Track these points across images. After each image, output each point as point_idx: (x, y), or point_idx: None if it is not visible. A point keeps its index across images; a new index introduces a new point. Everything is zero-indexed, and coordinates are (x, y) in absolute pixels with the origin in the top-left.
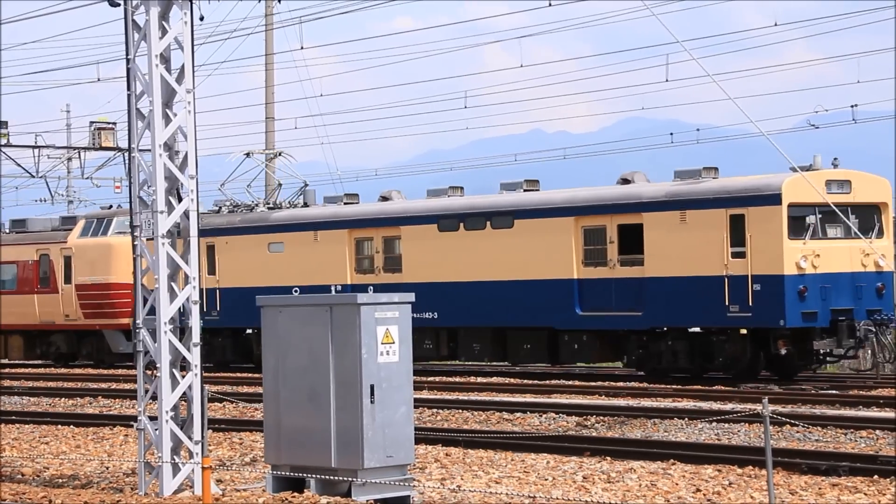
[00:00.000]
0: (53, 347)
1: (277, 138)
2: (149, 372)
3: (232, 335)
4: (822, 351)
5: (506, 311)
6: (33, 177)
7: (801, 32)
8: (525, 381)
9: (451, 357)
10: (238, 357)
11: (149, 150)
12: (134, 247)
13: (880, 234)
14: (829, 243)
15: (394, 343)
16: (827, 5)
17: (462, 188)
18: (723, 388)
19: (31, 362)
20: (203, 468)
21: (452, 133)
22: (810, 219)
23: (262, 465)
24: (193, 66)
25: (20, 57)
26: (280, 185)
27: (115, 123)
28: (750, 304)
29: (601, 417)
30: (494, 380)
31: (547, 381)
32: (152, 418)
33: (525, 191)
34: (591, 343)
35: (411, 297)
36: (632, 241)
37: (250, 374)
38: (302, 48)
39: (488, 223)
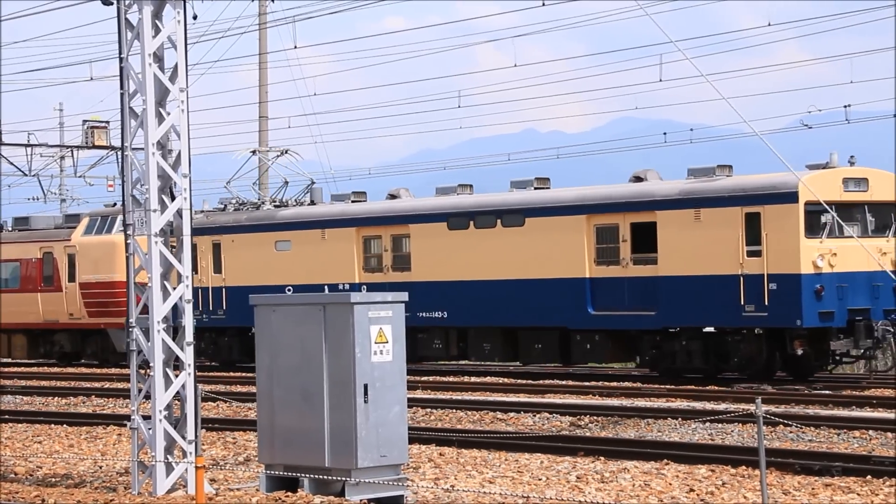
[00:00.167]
0: (57, 347)
1: (271, 137)
2: (142, 371)
3: (238, 334)
4: (838, 351)
5: (516, 311)
6: (26, 175)
7: (795, 32)
8: (518, 380)
9: (460, 357)
10: (244, 356)
11: (142, 149)
12: (127, 245)
13: None
14: (846, 242)
15: (387, 342)
16: (820, 6)
17: (471, 186)
18: (716, 388)
19: (26, 361)
20: (196, 467)
21: (446, 132)
22: (826, 217)
23: (256, 465)
24: (187, 65)
25: (13, 55)
26: (286, 182)
27: (108, 122)
28: (766, 303)
29: (595, 417)
30: (488, 379)
31: (541, 381)
32: (146, 417)
33: (536, 189)
34: (603, 343)
35: (404, 296)
36: (645, 239)
37: (252, 375)
38: (295, 47)
39: (499, 221)
